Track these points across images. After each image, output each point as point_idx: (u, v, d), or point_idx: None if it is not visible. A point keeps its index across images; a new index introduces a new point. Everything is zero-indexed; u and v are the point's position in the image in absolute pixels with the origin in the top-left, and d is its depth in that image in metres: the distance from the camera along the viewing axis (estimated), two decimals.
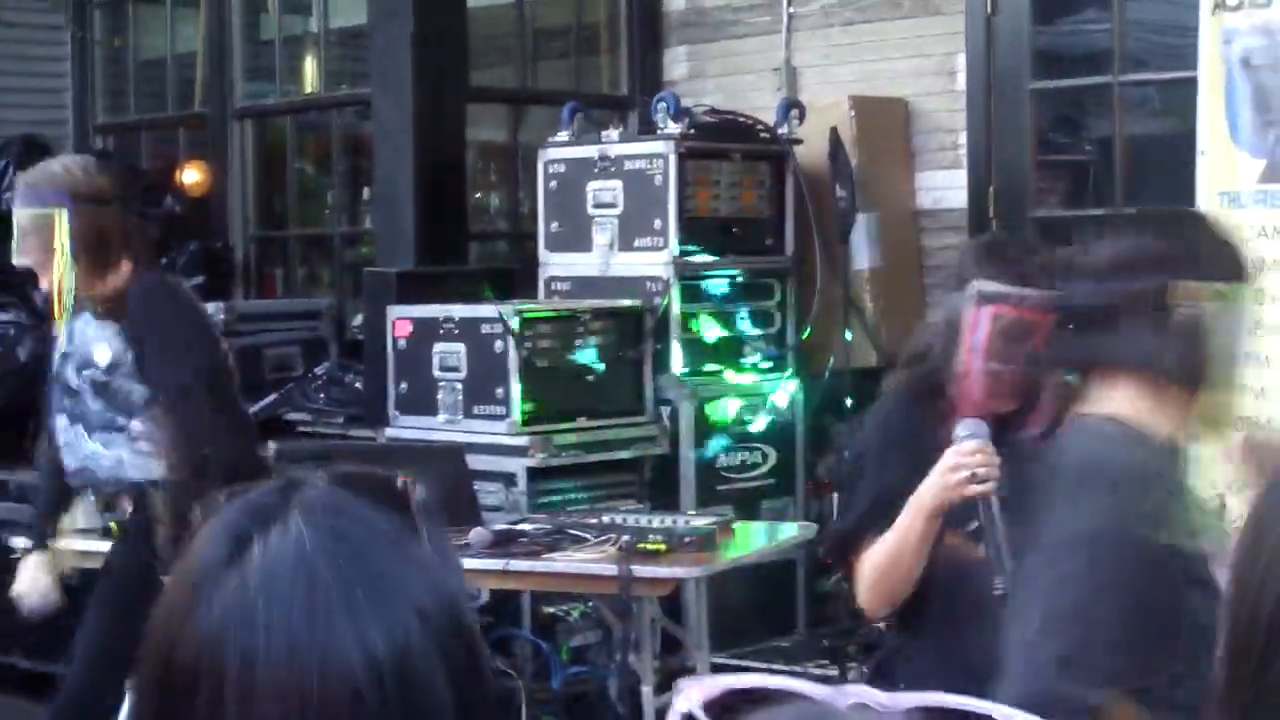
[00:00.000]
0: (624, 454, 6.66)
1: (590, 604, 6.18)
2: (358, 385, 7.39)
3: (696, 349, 6.92)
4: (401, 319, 6.82)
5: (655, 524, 5.46)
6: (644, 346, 6.78)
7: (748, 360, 7.06)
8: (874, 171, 7.31)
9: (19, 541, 6.27)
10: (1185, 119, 6.14)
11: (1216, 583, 2.37)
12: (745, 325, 7.08)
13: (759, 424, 7.01)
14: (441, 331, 6.68)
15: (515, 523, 5.66)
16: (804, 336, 7.14)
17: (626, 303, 6.82)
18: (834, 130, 7.04)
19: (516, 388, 6.44)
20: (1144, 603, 2.54)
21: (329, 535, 1.18)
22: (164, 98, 10.15)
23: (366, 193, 9.14)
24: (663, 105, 6.98)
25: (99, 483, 4.89)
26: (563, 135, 7.23)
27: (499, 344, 6.49)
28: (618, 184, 6.95)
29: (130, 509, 4.82)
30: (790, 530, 6.23)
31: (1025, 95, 7.14)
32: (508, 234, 9.21)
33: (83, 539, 5.05)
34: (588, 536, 5.36)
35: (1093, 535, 2.58)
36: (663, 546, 5.20)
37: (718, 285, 7.00)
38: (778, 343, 7.14)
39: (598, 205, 7.01)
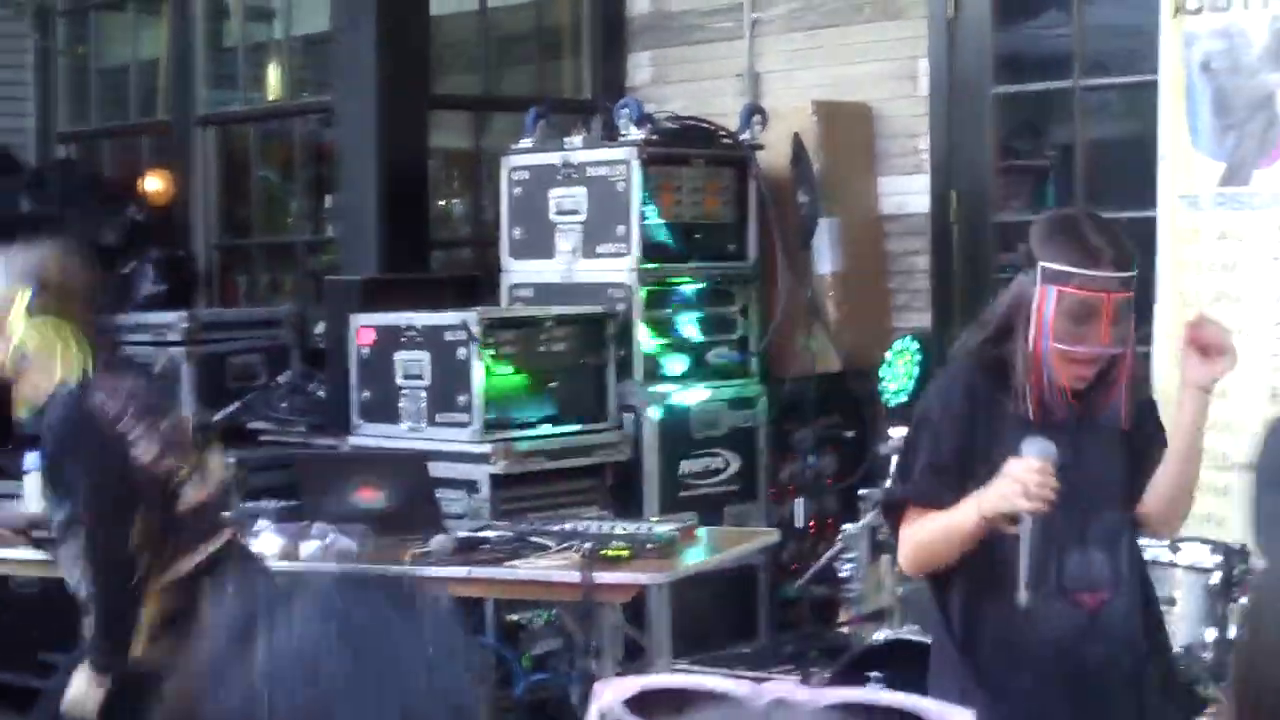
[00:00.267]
0: (587, 461, 6.64)
1: (553, 611, 6.17)
2: (320, 393, 7.35)
3: (659, 355, 6.92)
4: (364, 327, 6.80)
5: (618, 530, 5.46)
6: (607, 353, 6.77)
7: (711, 366, 7.05)
8: (837, 176, 7.31)
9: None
10: (1146, 123, 6.15)
11: None
12: (708, 331, 7.07)
13: (722, 430, 7.00)
14: (404, 339, 6.66)
15: (478, 530, 5.65)
16: (765, 341, 7.13)
17: (589, 309, 6.80)
18: (796, 135, 7.04)
19: (479, 395, 6.43)
20: None
21: (333, 630, 1.21)
22: (127, 105, 10.13)
23: (329, 200, 9.11)
24: (626, 111, 6.97)
25: None
26: (526, 142, 7.20)
27: (461, 351, 6.47)
28: (581, 190, 6.93)
29: None
30: (753, 536, 6.22)
31: (987, 99, 7.15)
32: (471, 241, 9.18)
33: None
34: (550, 543, 5.35)
35: None
36: (625, 553, 5.19)
37: (681, 291, 7.00)
38: (741, 348, 7.13)
39: (560, 212, 7.00)
